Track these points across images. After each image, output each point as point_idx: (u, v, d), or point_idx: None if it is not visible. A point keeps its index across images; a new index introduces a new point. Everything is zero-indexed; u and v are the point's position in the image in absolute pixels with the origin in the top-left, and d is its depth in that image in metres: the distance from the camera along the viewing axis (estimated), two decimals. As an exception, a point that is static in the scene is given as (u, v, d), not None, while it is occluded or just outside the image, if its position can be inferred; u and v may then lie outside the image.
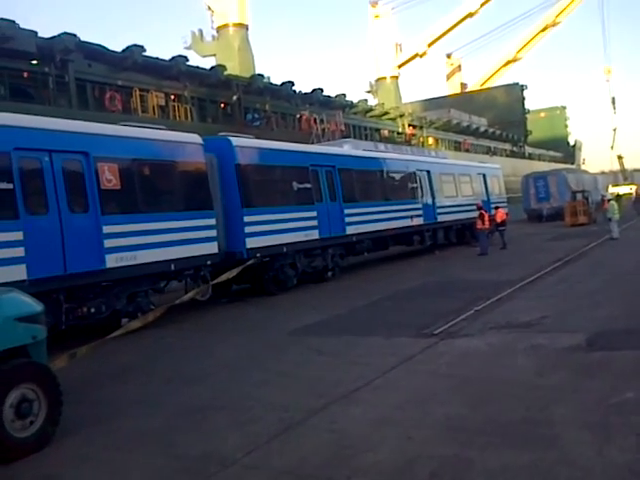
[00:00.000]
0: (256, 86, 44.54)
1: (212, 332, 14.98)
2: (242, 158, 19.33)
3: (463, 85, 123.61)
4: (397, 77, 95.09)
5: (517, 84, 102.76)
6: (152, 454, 7.14)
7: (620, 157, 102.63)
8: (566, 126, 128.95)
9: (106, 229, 14.39)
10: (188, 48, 66.53)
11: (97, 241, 14.20)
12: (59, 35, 31.16)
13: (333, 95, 53.77)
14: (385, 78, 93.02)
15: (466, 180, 35.79)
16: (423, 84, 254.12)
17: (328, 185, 23.03)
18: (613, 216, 32.27)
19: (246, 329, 14.96)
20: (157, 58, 37.81)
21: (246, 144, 20.14)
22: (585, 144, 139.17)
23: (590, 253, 25.58)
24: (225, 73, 43.01)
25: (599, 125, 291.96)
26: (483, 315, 13.70)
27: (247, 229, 18.82)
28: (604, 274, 18.74)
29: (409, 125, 66.70)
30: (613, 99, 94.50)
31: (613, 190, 73.10)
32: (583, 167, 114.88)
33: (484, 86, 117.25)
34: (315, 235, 21.84)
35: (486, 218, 29.92)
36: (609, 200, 37.35)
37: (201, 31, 68.00)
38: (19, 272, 12.34)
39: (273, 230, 19.76)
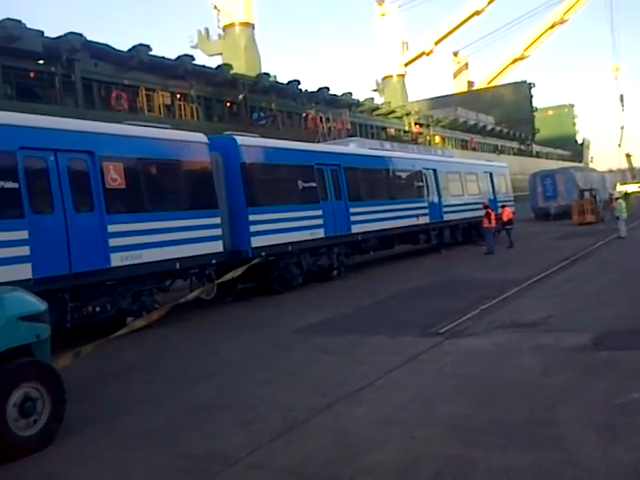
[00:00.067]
0: (262, 85, 44.49)
1: (217, 331, 14.99)
2: (247, 157, 19.32)
3: (470, 83, 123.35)
4: (403, 75, 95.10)
5: (525, 82, 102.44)
6: (156, 453, 7.13)
7: (628, 155, 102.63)
8: (574, 124, 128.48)
9: (111, 228, 14.41)
10: (194, 47, 66.69)
11: (102, 240, 14.22)
12: (65, 35, 31.17)
13: (339, 94, 53.69)
14: (391, 76, 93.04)
15: (472, 179, 35.70)
16: (430, 82, 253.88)
17: (333, 184, 23.00)
18: (621, 215, 32.16)
19: (251, 328, 14.95)
20: (163, 57, 37.79)
21: (251, 143, 20.12)
22: (593, 142, 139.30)
23: (597, 252, 25.49)
24: (231, 72, 42.95)
25: (607, 123, 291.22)
26: (489, 314, 13.66)
27: (252, 228, 18.81)
28: (611, 273, 18.67)
29: (415, 124, 66.54)
30: (621, 97, 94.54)
31: (621, 188, 72.86)
32: (591, 165, 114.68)
33: (491, 84, 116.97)
34: (320, 234, 21.82)
35: (493, 217, 29.84)
36: (617, 198, 37.19)
37: (207, 30, 68.13)
38: (24, 271, 12.37)
39: (278, 229, 19.74)
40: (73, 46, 31.21)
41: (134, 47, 35.69)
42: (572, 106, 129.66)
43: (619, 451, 6.05)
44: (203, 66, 41.57)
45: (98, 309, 14.17)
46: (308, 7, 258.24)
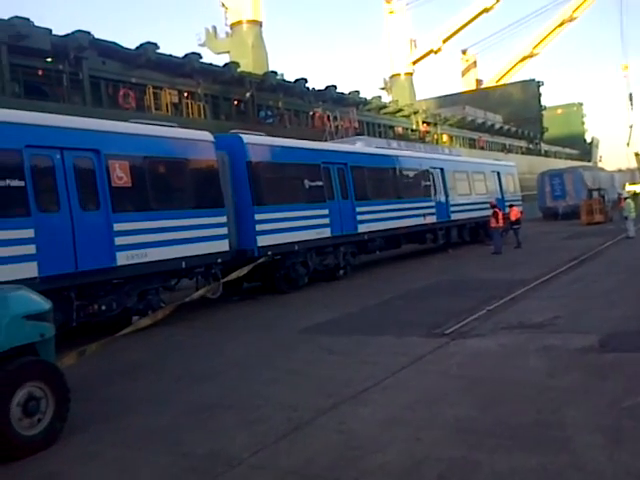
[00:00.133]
0: (269, 83, 44.51)
1: (223, 330, 14.97)
2: (253, 155, 19.29)
3: (478, 81, 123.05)
4: (411, 74, 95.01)
5: (533, 80, 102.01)
6: (160, 452, 7.11)
7: (637, 154, 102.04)
8: (583, 123, 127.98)
9: (117, 227, 14.41)
10: (202, 45, 66.81)
11: (108, 238, 14.22)
12: (73, 33, 31.24)
13: (347, 92, 53.67)
14: (399, 75, 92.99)
15: (480, 178, 35.59)
16: (438, 81, 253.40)
17: (340, 183, 22.96)
18: (629, 214, 32.06)
19: (257, 327, 14.94)
20: (170, 55, 37.87)
21: (257, 141, 20.08)
22: (602, 141, 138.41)
23: (605, 252, 25.40)
24: (238, 70, 42.99)
25: (616, 122, 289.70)
26: (495, 315, 13.60)
27: (258, 227, 18.78)
28: (619, 273, 18.60)
29: (423, 122, 66.45)
30: (630, 95, 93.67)
31: (630, 188, 72.40)
32: (600, 165, 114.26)
33: (500, 82, 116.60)
34: (327, 233, 21.78)
35: (500, 216, 29.76)
36: (625, 198, 37.05)
37: (215, 28, 68.23)
38: (30, 269, 12.38)
39: (284, 228, 19.70)
40: (81, 44, 31.28)
41: (142, 45, 35.81)
42: (581, 105, 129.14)
43: (625, 455, 6.00)
44: (210, 64, 41.60)
45: (104, 308, 14.17)
46: (316, 5, 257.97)
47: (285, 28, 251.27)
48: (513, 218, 31.37)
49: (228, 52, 63.80)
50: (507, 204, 34.40)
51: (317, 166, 22.00)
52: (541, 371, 9.03)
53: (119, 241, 14.40)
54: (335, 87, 51.35)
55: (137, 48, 35.70)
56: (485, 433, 6.80)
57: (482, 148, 74.66)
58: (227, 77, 41.49)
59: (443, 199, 30.54)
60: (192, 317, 16.38)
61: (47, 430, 7.32)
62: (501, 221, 29.72)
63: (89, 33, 32.04)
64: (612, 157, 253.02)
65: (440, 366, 9.84)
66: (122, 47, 34.82)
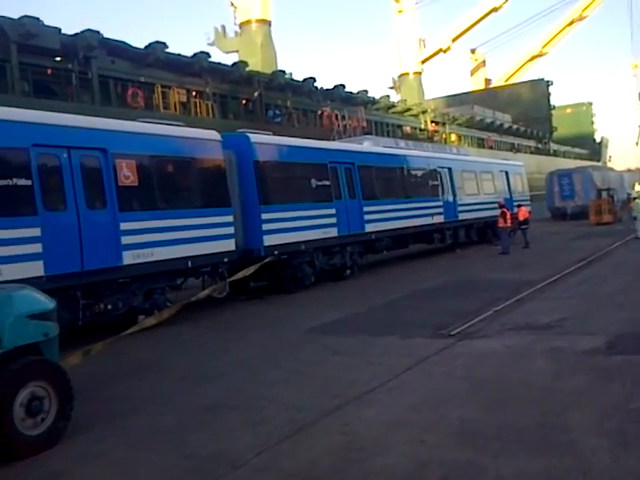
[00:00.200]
0: (277, 82, 44.47)
1: (229, 329, 14.97)
2: (260, 155, 19.27)
3: (487, 81, 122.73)
4: (420, 73, 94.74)
5: (542, 80, 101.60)
6: (163, 453, 7.10)
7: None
8: (592, 123, 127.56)
9: (123, 226, 14.41)
10: (211, 44, 66.81)
11: (114, 238, 14.23)
12: (82, 32, 31.27)
13: (355, 91, 53.59)
14: (408, 74, 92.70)
15: (488, 178, 35.49)
16: (446, 80, 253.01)
17: (347, 182, 22.92)
18: (638, 215, 31.91)
19: (263, 327, 14.92)
20: (179, 55, 37.87)
21: (264, 141, 20.07)
22: (612, 141, 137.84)
23: (614, 253, 25.30)
24: (247, 69, 42.96)
25: (626, 122, 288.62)
26: (502, 316, 13.55)
27: (265, 226, 18.77)
28: (627, 274, 18.52)
29: (432, 121, 66.32)
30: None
31: (639, 188, 72.24)
32: (609, 164, 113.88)
33: (509, 82, 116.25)
34: (334, 233, 21.75)
35: (508, 216, 29.66)
36: (635, 198, 36.83)
37: (224, 27, 68.25)
38: (36, 268, 12.38)
39: (291, 227, 19.68)
40: (90, 43, 31.30)
41: (150, 44, 35.79)
42: (590, 104, 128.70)
43: (631, 459, 5.96)
44: (219, 63, 41.58)
45: (110, 307, 14.17)
46: (324, 4, 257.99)
47: (294, 27, 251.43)
48: (521, 218, 31.28)
49: (237, 51, 63.80)
50: (515, 204, 34.28)
51: (324, 165, 21.97)
52: (547, 373, 8.98)
53: (125, 240, 14.40)
54: (343, 86, 51.27)
55: (146, 47, 35.69)
56: (490, 435, 6.77)
57: (491, 148, 74.42)
58: (235, 76, 41.45)
59: (451, 199, 30.47)
60: (199, 316, 16.38)
61: (51, 429, 7.31)
62: (509, 221, 29.63)
63: (98, 32, 32.07)
64: (621, 157, 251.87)
65: (446, 367, 9.81)
66: (131, 46, 34.85)
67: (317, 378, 9.87)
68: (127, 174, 14.77)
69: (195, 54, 38.61)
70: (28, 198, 12.63)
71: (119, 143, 14.89)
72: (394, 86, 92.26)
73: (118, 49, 34.11)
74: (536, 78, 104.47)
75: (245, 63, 43.80)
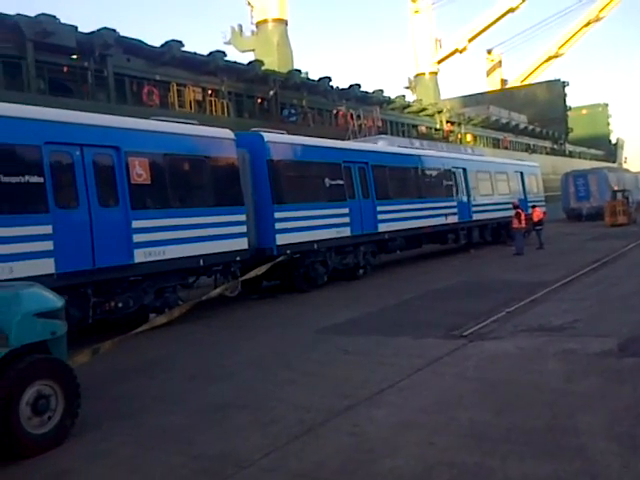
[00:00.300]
0: (293, 81, 44.50)
1: (240, 328, 14.96)
2: (274, 154, 19.26)
3: (503, 81, 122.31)
4: (436, 73, 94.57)
5: (558, 80, 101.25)
6: (171, 452, 7.07)
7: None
8: (608, 124, 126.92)
9: (135, 224, 14.42)
10: (228, 43, 66.89)
11: (126, 236, 14.23)
12: (99, 30, 31.44)
13: (370, 91, 53.51)
14: (424, 74, 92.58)
15: (503, 178, 35.34)
16: (462, 80, 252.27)
17: (361, 182, 22.88)
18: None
19: (275, 326, 14.89)
20: (195, 53, 37.95)
21: (278, 140, 20.06)
22: (627, 142, 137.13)
23: (628, 254, 25.09)
24: (262, 68, 42.99)
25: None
26: (515, 317, 13.47)
27: (277, 225, 18.75)
28: (640, 276, 18.36)
29: (447, 121, 66.16)
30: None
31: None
32: (625, 166, 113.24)
33: (525, 82, 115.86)
34: (347, 232, 21.71)
35: (523, 217, 29.48)
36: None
37: (241, 26, 68.30)
38: (47, 266, 12.41)
39: (304, 227, 19.67)
40: (106, 41, 31.45)
41: (166, 43, 35.91)
42: (606, 105, 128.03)
43: (641, 463, 5.89)
44: (235, 62, 41.67)
45: (121, 305, 14.17)
46: (341, 3, 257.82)
47: (310, 27, 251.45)
48: (536, 219, 31.09)
49: (253, 50, 63.87)
50: (530, 205, 34.08)
51: (338, 165, 21.93)
52: (559, 375, 8.90)
53: (137, 238, 14.41)
54: (359, 86, 51.22)
55: (162, 46, 35.80)
56: (499, 438, 6.71)
57: (506, 148, 74.14)
58: (251, 75, 41.50)
59: (465, 199, 30.37)
60: (210, 315, 16.39)
61: (57, 428, 7.29)
62: (523, 222, 29.46)
63: (114, 31, 32.24)
64: (637, 158, 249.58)
65: (457, 368, 9.74)
66: (147, 45, 34.98)
67: (328, 378, 9.83)
68: (140, 172, 14.77)
69: (211, 53, 38.71)
70: (40, 195, 12.65)
71: (132, 141, 14.90)
72: (410, 86, 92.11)
73: (134, 47, 34.24)
74: (552, 79, 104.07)
75: (261, 62, 43.82)
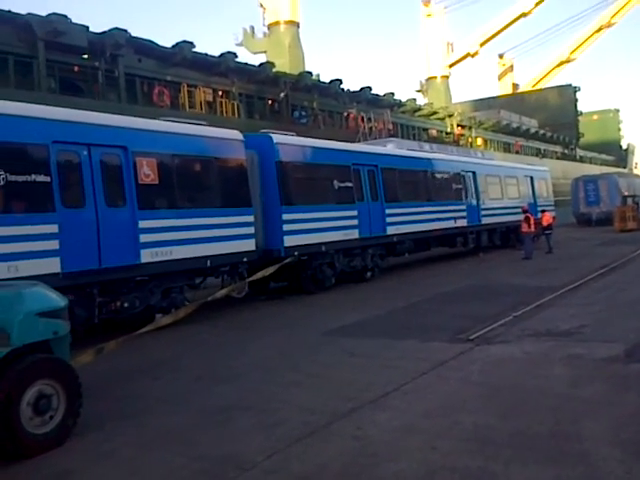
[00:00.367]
0: (304, 83, 44.51)
1: (247, 330, 14.94)
2: (283, 155, 19.24)
3: (515, 86, 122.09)
4: (448, 77, 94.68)
5: (570, 85, 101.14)
6: (173, 453, 7.04)
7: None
8: (619, 129, 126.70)
9: (142, 224, 14.40)
10: (239, 45, 67.18)
11: (133, 236, 14.21)
12: (110, 30, 31.55)
13: (381, 94, 53.46)
14: (435, 77, 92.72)
15: (512, 182, 35.28)
16: (474, 84, 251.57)
17: (370, 184, 22.84)
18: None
19: (282, 327, 14.86)
20: (206, 54, 38.01)
21: (287, 141, 20.03)
22: (638, 148, 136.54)
23: (637, 260, 24.97)
24: (274, 70, 43.04)
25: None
26: (522, 321, 13.40)
27: (285, 227, 18.73)
28: (649, 282, 18.28)
29: (458, 125, 66.07)
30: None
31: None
32: (635, 171, 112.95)
33: (536, 87, 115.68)
34: (355, 235, 21.68)
35: (532, 221, 29.44)
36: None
37: (252, 28, 68.60)
38: (53, 265, 12.39)
39: (312, 229, 19.64)
40: (117, 41, 31.55)
41: (178, 44, 35.99)
42: (617, 111, 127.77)
43: (645, 470, 5.83)
44: (246, 64, 41.71)
45: (127, 305, 14.14)
46: (353, 6, 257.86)
47: (322, 29, 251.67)
48: (545, 223, 31.02)
49: (265, 52, 64.10)
50: (539, 209, 33.97)
51: (347, 167, 21.90)
52: (564, 380, 8.85)
53: (144, 238, 14.38)
54: (370, 88, 51.21)
55: (173, 47, 35.89)
56: (502, 443, 6.66)
57: (517, 152, 74.01)
58: (262, 77, 41.52)
59: (474, 203, 30.32)
60: (217, 316, 16.37)
61: (59, 428, 7.26)
62: (533, 226, 29.41)
63: (126, 31, 32.34)
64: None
65: (462, 372, 9.69)
66: (158, 45, 35.05)
67: (333, 380, 9.79)
68: (147, 172, 14.76)
69: (222, 54, 38.78)
70: (46, 194, 12.64)
71: (140, 141, 14.89)
72: (421, 89, 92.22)
73: (145, 48, 34.33)
74: (563, 84, 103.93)
75: (272, 64, 43.93)
